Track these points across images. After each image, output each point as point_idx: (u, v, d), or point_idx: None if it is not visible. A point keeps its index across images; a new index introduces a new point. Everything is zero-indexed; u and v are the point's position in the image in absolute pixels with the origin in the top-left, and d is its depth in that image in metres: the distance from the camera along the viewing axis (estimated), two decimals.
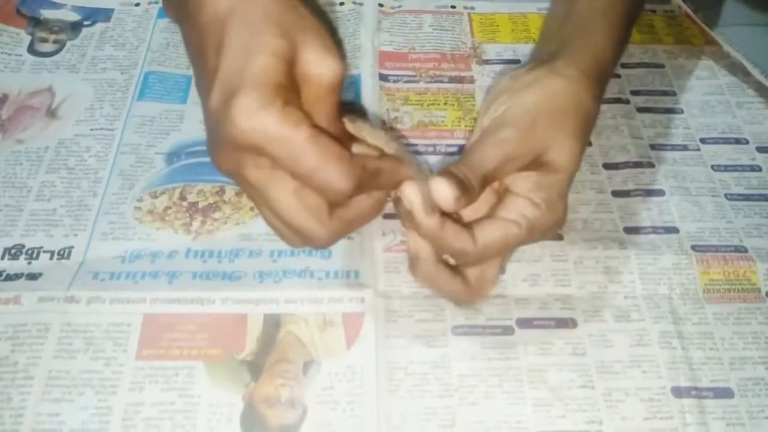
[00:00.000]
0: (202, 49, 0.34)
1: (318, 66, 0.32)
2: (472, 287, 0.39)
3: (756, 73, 0.57)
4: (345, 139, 0.34)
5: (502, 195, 0.38)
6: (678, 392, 0.42)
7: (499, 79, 0.41)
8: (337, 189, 0.31)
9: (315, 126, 0.31)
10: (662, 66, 0.60)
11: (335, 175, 0.31)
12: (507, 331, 0.44)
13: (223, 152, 0.33)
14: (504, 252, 0.38)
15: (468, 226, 0.36)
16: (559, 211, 0.37)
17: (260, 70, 0.31)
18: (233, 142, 0.31)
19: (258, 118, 0.30)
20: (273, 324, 0.43)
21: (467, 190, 0.35)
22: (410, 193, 0.33)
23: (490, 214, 0.37)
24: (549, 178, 0.37)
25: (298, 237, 0.35)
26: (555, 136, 0.37)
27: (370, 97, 0.56)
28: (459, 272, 0.39)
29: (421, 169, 0.36)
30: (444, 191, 0.33)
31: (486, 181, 0.36)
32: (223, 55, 0.32)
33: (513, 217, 0.36)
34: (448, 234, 0.35)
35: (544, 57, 0.42)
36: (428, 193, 0.34)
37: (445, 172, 0.35)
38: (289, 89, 0.32)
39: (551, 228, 0.38)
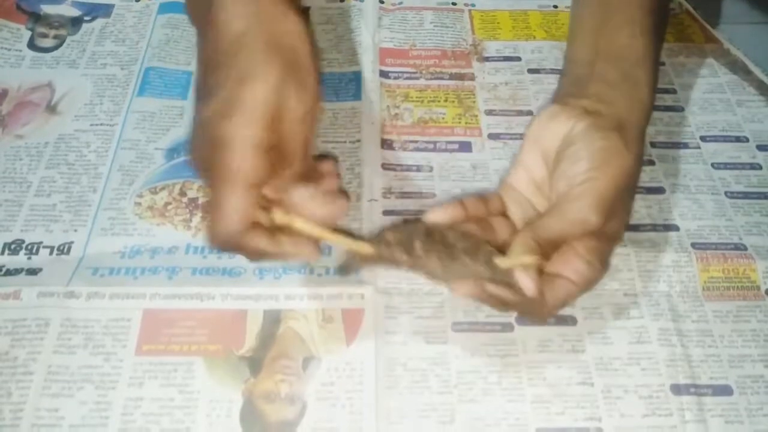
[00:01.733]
0: (212, 62, 0.38)
1: (293, 105, 0.36)
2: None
3: (757, 71, 0.57)
4: (308, 176, 0.38)
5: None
6: (677, 389, 0.42)
7: (555, 119, 0.41)
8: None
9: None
10: (662, 64, 0.60)
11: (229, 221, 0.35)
12: (506, 327, 0.44)
13: (199, 150, 0.37)
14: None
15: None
16: (607, 268, 0.41)
17: (253, 99, 0.35)
18: (211, 145, 0.35)
19: (237, 146, 0.34)
20: (273, 320, 0.43)
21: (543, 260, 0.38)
22: (527, 286, 0.37)
23: (555, 271, 0.39)
24: (604, 244, 0.40)
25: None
26: (620, 213, 0.41)
27: (370, 93, 0.56)
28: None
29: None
30: (528, 284, 0.36)
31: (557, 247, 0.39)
32: (227, 76, 0.36)
33: (574, 278, 0.39)
34: (539, 300, 0.38)
35: (590, 93, 0.43)
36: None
37: (528, 249, 0.37)
38: (270, 130, 0.36)
39: (596, 282, 0.41)
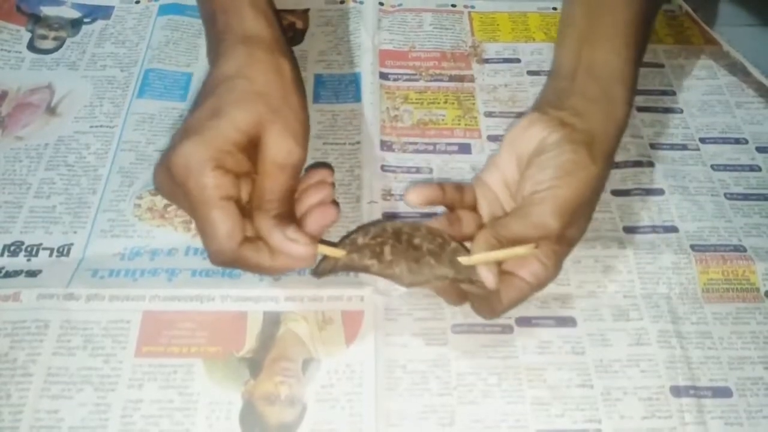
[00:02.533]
0: (201, 95, 0.42)
1: (273, 148, 0.40)
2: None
3: (756, 73, 0.57)
4: (286, 219, 0.39)
5: None
6: (677, 391, 0.42)
7: (533, 127, 0.42)
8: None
9: (227, 197, 0.38)
10: (662, 66, 0.60)
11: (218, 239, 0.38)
12: (506, 329, 0.44)
13: (160, 172, 0.40)
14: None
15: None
16: (559, 271, 0.42)
17: (216, 131, 0.38)
18: (168, 169, 0.39)
19: (188, 163, 0.37)
20: (272, 322, 0.43)
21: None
22: (488, 281, 0.38)
23: (511, 271, 0.41)
24: (562, 248, 0.42)
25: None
26: (579, 221, 0.42)
27: (370, 95, 0.56)
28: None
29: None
30: (489, 279, 0.38)
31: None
32: (202, 106, 0.40)
33: (528, 278, 0.41)
34: (495, 297, 0.40)
35: (568, 105, 0.44)
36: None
37: (489, 247, 0.39)
38: (232, 157, 0.39)
39: (548, 283, 0.42)
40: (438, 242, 0.40)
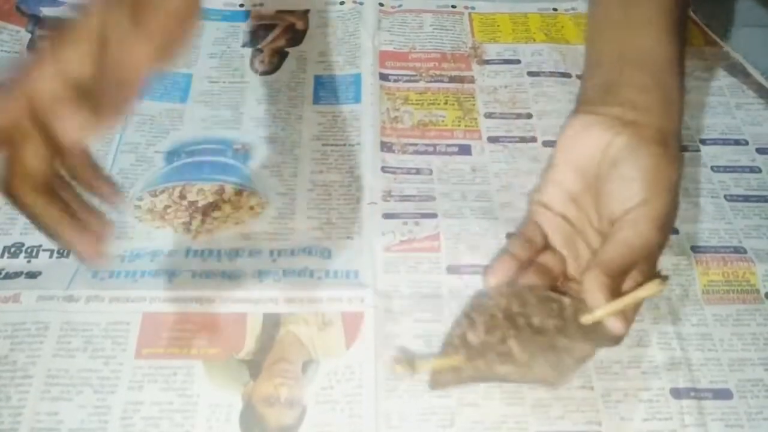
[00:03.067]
0: None
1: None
2: None
3: (756, 74, 0.57)
4: None
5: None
6: (677, 393, 0.42)
7: (588, 131, 0.40)
8: None
9: None
10: None
11: None
12: None
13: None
14: None
15: None
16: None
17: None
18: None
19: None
20: (272, 323, 0.43)
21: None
22: (621, 330, 0.37)
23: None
24: (659, 254, 0.40)
25: None
26: (672, 223, 0.40)
27: (370, 96, 0.56)
28: None
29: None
30: (621, 328, 0.36)
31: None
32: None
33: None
34: None
35: (621, 100, 0.41)
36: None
37: (604, 289, 0.36)
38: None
39: None
40: (559, 314, 0.37)
